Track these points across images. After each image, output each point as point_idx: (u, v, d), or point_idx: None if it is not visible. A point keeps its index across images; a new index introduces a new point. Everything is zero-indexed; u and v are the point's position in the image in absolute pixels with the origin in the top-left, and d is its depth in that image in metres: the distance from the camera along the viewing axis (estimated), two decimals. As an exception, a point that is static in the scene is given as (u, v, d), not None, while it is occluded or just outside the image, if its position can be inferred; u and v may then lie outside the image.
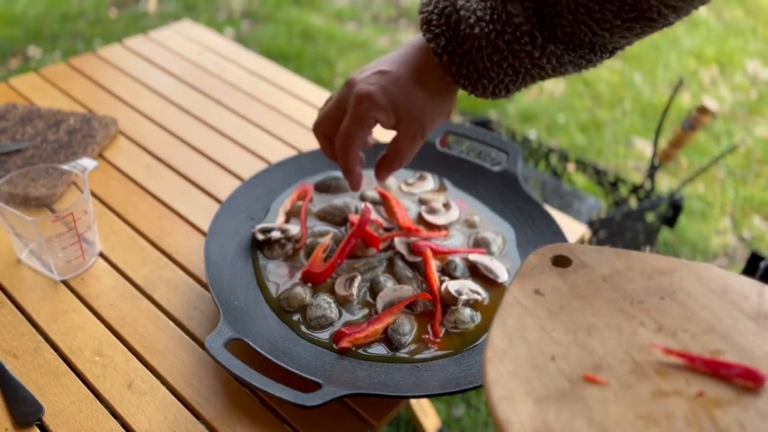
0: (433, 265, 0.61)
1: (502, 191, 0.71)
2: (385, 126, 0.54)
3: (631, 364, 0.38)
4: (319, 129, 0.57)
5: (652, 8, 0.44)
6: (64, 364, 0.55)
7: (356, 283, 0.60)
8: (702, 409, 0.35)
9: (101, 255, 0.65)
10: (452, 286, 0.59)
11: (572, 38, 0.48)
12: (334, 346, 0.55)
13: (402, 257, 0.63)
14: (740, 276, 0.44)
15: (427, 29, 0.50)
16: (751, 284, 0.43)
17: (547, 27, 0.48)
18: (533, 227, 0.67)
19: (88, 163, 0.65)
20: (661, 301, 0.42)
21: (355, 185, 0.58)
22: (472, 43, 0.48)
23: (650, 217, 1.42)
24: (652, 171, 1.50)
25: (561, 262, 0.46)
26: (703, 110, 1.38)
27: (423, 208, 0.69)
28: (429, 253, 0.62)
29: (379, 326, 0.56)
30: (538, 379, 0.37)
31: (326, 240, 0.63)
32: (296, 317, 0.58)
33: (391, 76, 0.52)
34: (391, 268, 0.63)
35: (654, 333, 0.40)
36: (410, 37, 2.52)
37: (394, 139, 0.55)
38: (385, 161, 0.57)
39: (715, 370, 0.37)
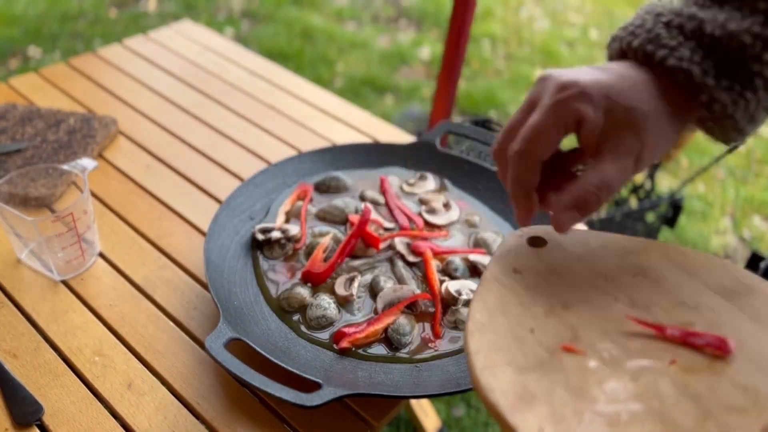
0: (433, 265, 0.61)
1: (502, 191, 0.71)
2: (590, 131, 0.39)
3: (605, 335, 0.39)
4: (496, 153, 0.42)
5: None
6: (64, 364, 0.55)
7: (356, 283, 0.60)
8: (676, 376, 0.37)
9: (101, 255, 0.65)
10: (452, 286, 0.59)
11: None
12: (334, 346, 0.55)
13: (402, 257, 0.63)
14: (708, 254, 0.45)
15: (656, 47, 0.39)
16: (716, 260, 0.45)
17: None
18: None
19: (88, 163, 0.65)
20: (633, 278, 0.44)
21: (522, 217, 0.43)
22: (728, 47, 0.37)
23: (650, 217, 1.42)
24: (652, 171, 1.50)
25: (537, 242, 0.48)
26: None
27: (423, 208, 0.69)
28: (429, 253, 0.62)
29: (379, 326, 0.56)
30: (518, 349, 0.38)
31: (326, 240, 0.63)
32: (296, 317, 0.58)
33: (613, 72, 0.39)
34: (391, 268, 0.63)
35: (628, 307, 0.41)
36: (410, 36, 2.52)
37: (597, 159, 0.39)
38: (570, 194, 0.40)
39: (685, 339, 0.38)
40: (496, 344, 0.39)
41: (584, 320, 0.41)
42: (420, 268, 0.62)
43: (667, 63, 0.38)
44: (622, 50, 0.42)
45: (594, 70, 0.39)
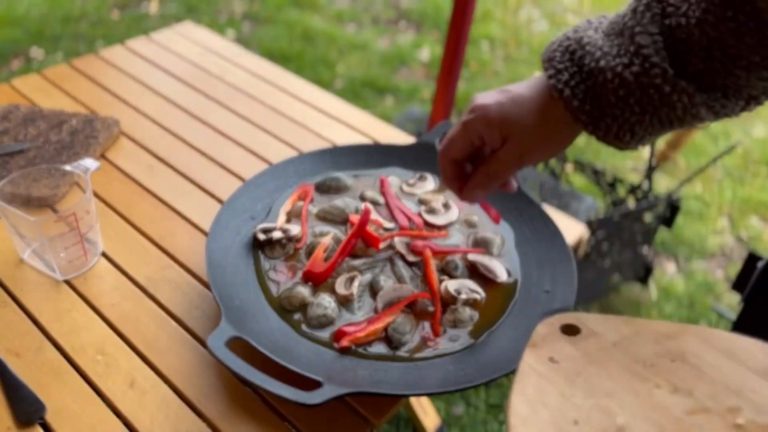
0: (433, 264, 0.62)
1: (500, 191, 0.72)
2: (491, 143, 0.52)
3: (652, 424, 0.39)
4: (442, 161, 0.55)
5: None
6: (67, 363, 0.55)
7: (356, 283, 0.60)
8: None
9: (104, 255, 0.66)
10: (452, 285, 0.60)
11: (704, 78, 0.44)
12: (334, 344, 0.55)
13: (402, 257, 0.64)
14: (744, 336, 0.45)
15: (549, 65, 0.48)
16: (755, 344, 0.44)
17: (677, 63, 0.44)
18: (531, 227, 0.68)
19: (90, 163, 0.66)
20: (672, 363, 0.44)
21: (457, 194, 0.56)
22: (596, 78, 0.46)
23: (648, 217, 1.42)
24: (650, 171, 1.51)
25: (570, 330, 0.47)
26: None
27: (423, 208, 0.70)
28: (429, 253, 0.62)
29: (379, 325, 0.56)
30: None
31: (327, 240, 0.64)
32: (297, 316, 0.58)
33: (512, 95, 0.51)
34: (391, 268, 0.63)
35: (670, 394, 0.41)
36: (410, 38, 2.52)
37: (491, 156, 0.53)
38: (473, 178, 0.54)
39: None
40: None
41: (627, 410, 0.40)
42: (420, 267, 0.63)
43: (551, 82, 0.48)
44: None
45: (499, 94, 0.51)
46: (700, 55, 0.43)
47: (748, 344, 0.44)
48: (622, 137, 0.47)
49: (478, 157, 0.55)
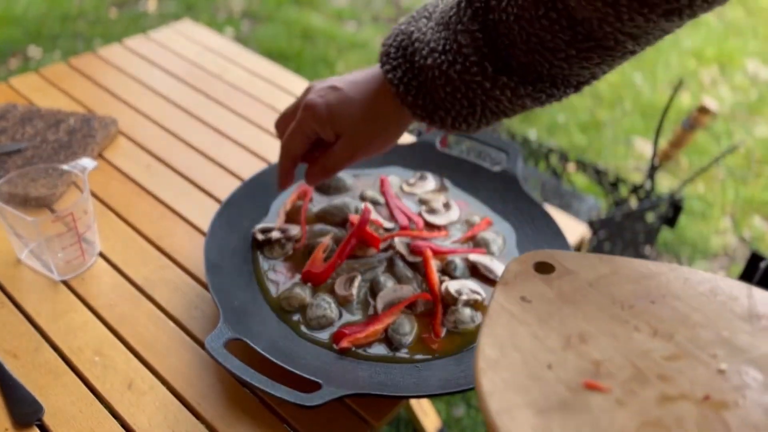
0: (433, 265, 0.61)
1: (502, 191, 0.71)
2: (326, 138, 0.55)
3: (631, 369, 0.37)
4: (277, 125, 0.59)
5: (607, 36, 0.42)
6: (64, 364, 0.55)
7: (356, 283, 0.60)
8: (711, 412, 0.34)
9: (101, 255, 0.65)
10: (452, 286, 0.59)
11: (529, 70, 0.46)
12: (334, 346, 0.55)
13: (402, 257, 0.63)
14: (727, 278, 0.43)
15: (385, 61, 0.51)
16: (739, 286, 0.42)
17: (501, 58, 0.46)
18: (533, 227, 0.67)
19: (88, 163, 0.65)
20: (652, 305, 0.41)
21: (280, 183, 0.59)
22: (426, 75, 0.49)
23: (650, 217, 1.42)
24: (652, 171, 1.50)
25: (544, 268, 0.45)
26: (703, 110, 1.38)
27: (423, 208, 0.70)
28: (429, 253, 0.62)
29: (379, 326, 0.56)
30: (536, 388, 0.35)
31: (326, 240, 0.63)
32: (296, 317, 0.58)
33: (341, 95, 0.53)
34: (391, 268, 0.63)
35: (650, 337, 0.39)
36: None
37: (330, 150, 0.56)
38: (314, 167, 0.58)
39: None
40: (511, 383, 0.35)
41: (605, 354, 0.38)
42: (420, 268, 0.62)
43: (387, 77, 0.51)
44: None
45: (330, 91, 0.54)
46: (522, 48, 0.45)
47: (731, 286, 0.42)
48: (458, 127, 0.50)
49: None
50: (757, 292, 0.42)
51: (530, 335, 0.39)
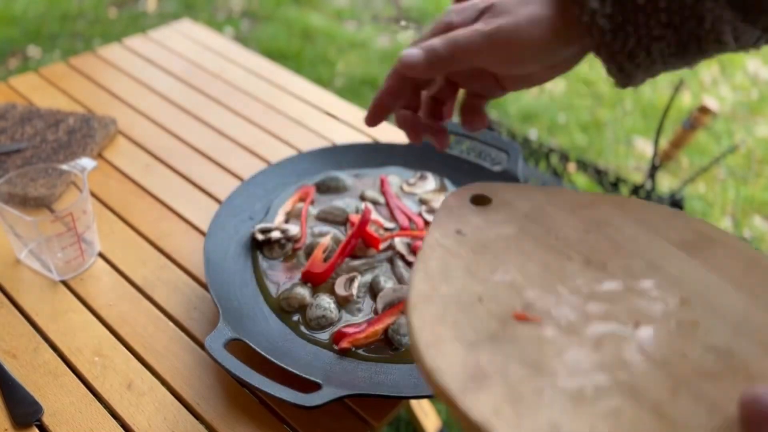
0: (434, 265, 0.61)
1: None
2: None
3: (561, 299, 0.36)
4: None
5: None
6: (64, 365, 0.55)
7: (356, 284, 0.60)
8: (639, 336, 0.33)
9: (100, 255, 0.65)
10: (452, 286, 0.59)
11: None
12: (334, 346, 0.55)
13: (402, 257, 0.63)
14: (663, 206, 0.42)
15: None
16: (676, 214, 0.41)
17: None
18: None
19: (87, 163, 0.65)
20: (586, 234, 0.40)
21: (369, 116, 0.50)
22: None
23: (651, 216, 1.42)
24: (652, 171, 1.50)
25: (480, 201, 0.44)
26: (703, 110, 1.37)
27: (423, 208, 0.69)
28: (429, 253, 0.62)
29: (379, 327, 0.56)
30: (466, 322, 0.34)
31: (326, 240, 0.63)
32: (296, 317, 0.58)
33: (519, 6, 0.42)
34: (391, 268, 0.62)
35: (582, 267, 0.38)
36: (410, 36, 2.52)
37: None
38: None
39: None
40: (441, 317, 0.35)
41: (537, 284, 0.37)
42: (420, 268, 0.62)
43: None
44: None
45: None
46: None
47: (668, 214, 0.41)
48: (636, 54, 0.40)
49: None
50: (696, 220, 0.41)
51: (463, 268, 0.38)
